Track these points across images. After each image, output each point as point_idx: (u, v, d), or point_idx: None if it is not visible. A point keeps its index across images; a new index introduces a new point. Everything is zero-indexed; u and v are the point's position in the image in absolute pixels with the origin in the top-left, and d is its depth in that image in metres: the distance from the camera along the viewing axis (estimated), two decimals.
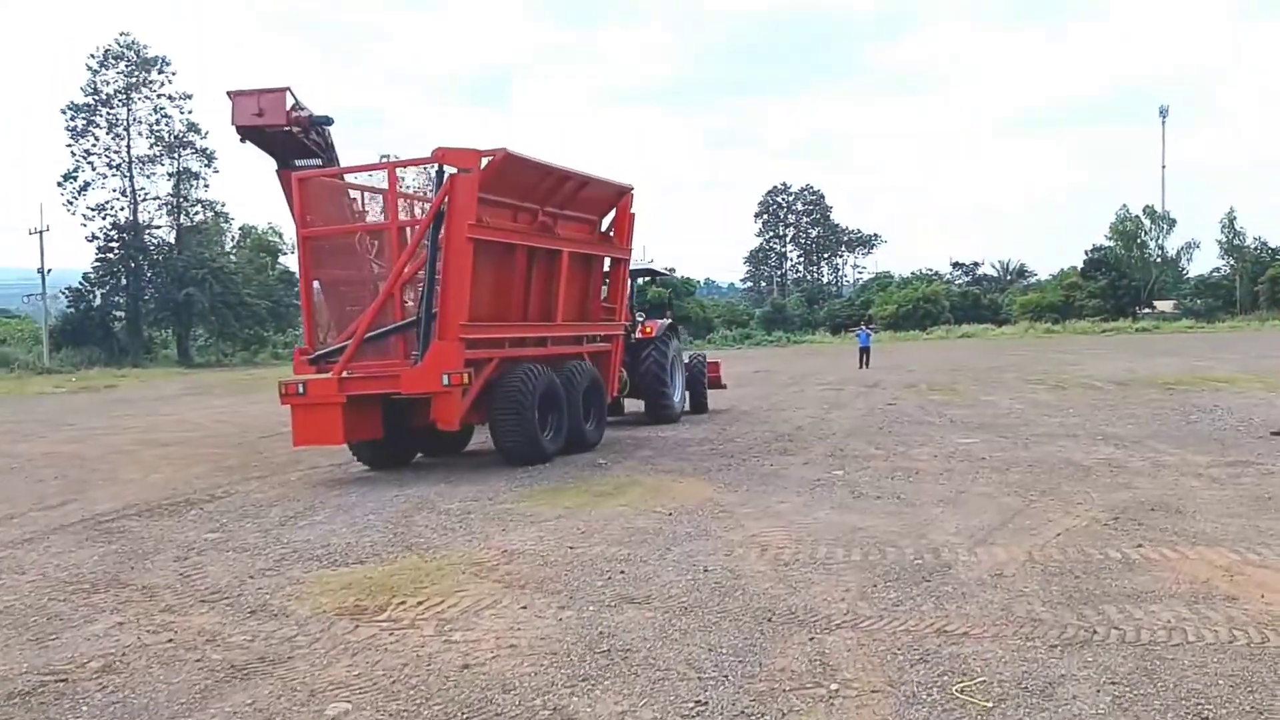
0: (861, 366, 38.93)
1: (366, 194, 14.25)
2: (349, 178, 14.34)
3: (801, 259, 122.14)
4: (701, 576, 7.19)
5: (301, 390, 12.86)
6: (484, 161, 12.87)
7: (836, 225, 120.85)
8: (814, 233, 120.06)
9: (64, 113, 70.71)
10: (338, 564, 8.10)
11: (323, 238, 14.13)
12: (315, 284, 14.36)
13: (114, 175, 71.67)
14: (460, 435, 15.58)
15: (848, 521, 9.01)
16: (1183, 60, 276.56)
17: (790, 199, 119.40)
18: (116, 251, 72.18)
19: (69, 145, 70.84)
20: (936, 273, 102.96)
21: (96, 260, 72.64)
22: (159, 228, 74.14)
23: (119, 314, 73.10)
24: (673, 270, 25.22)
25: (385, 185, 13.49)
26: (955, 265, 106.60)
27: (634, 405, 20.75)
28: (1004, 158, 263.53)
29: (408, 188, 13.93)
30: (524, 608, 6.55)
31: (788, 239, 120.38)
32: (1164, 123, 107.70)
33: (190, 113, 73.55)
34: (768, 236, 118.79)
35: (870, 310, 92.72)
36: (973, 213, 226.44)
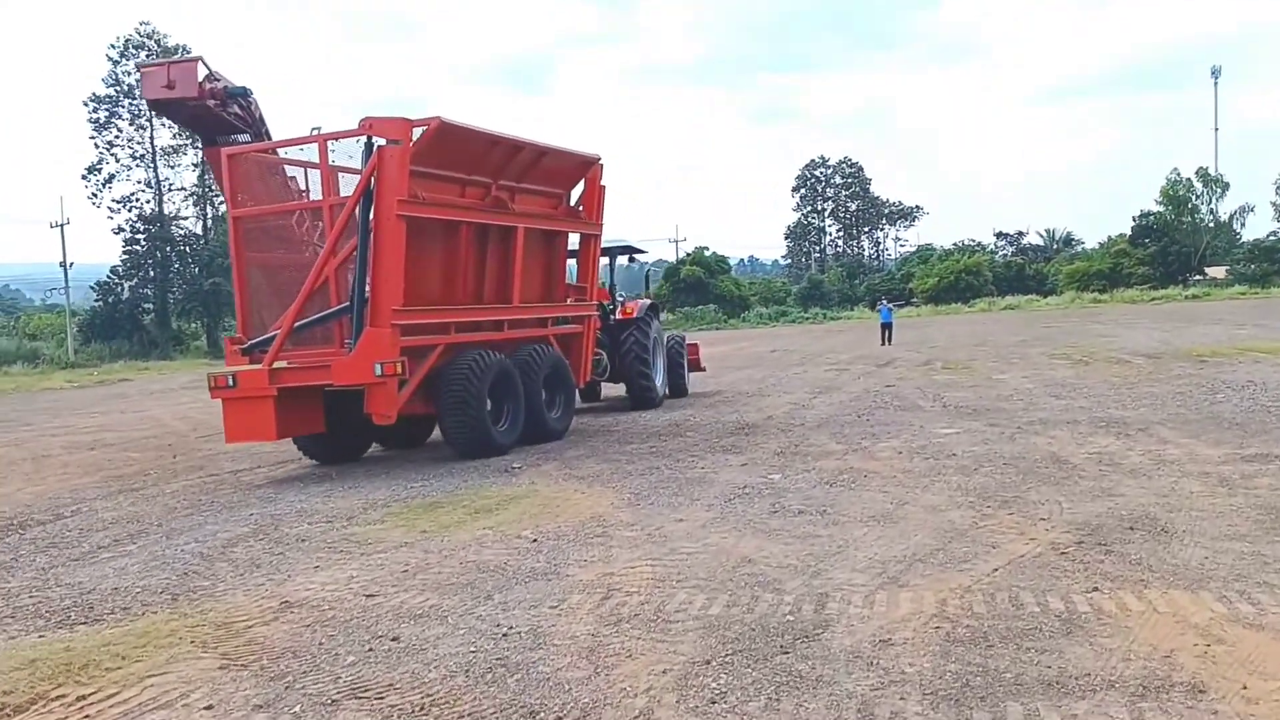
0: (883, 343, 36.73)
1: (309, 171, 12.92)
2: (287, 154, 13.16)
3: (841, 233, 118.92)
4: (488, 649, 5.35)
5: (232, 383, 11.97)
6: (417, 132, 11.87)
7: (877, 198, 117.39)
8: (853, 206, 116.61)
9: (86, 105, 69.79)
10: (68, 622, 6.37)
11: (256, 218, 13.02)
12: (249, 269, 13.14)
13: (138, 166, 70.70)
14: (423, 426, 14.49)
15: (740, 550, 7.14)
16: (1236, 18, 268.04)
17: (828, 172, 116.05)
18: (143, 244, 71.37)
19: (92, 137, 69.84)
20: (979, 244, 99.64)
21: (124, 253, 71.96)
22: (186, 219, 73.35)
23: (148, 306, 72.46)
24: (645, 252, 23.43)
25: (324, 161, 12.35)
26: (999, 235, 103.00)
27: (615, 390, 19.01)
28: (1050, 124, 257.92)
29: (352, 161, 12.49)
30: (208, 708, 4.76)
31: (826, 213, 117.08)
32: (1216, 84, 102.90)
33: None
34: (805, 211, 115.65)
35: (910, 284, 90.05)
36: (1017, 182, 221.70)
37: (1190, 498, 8.06)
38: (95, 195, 70.57)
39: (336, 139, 12.29)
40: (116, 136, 70.36)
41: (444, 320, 12.82)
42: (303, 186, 13.17)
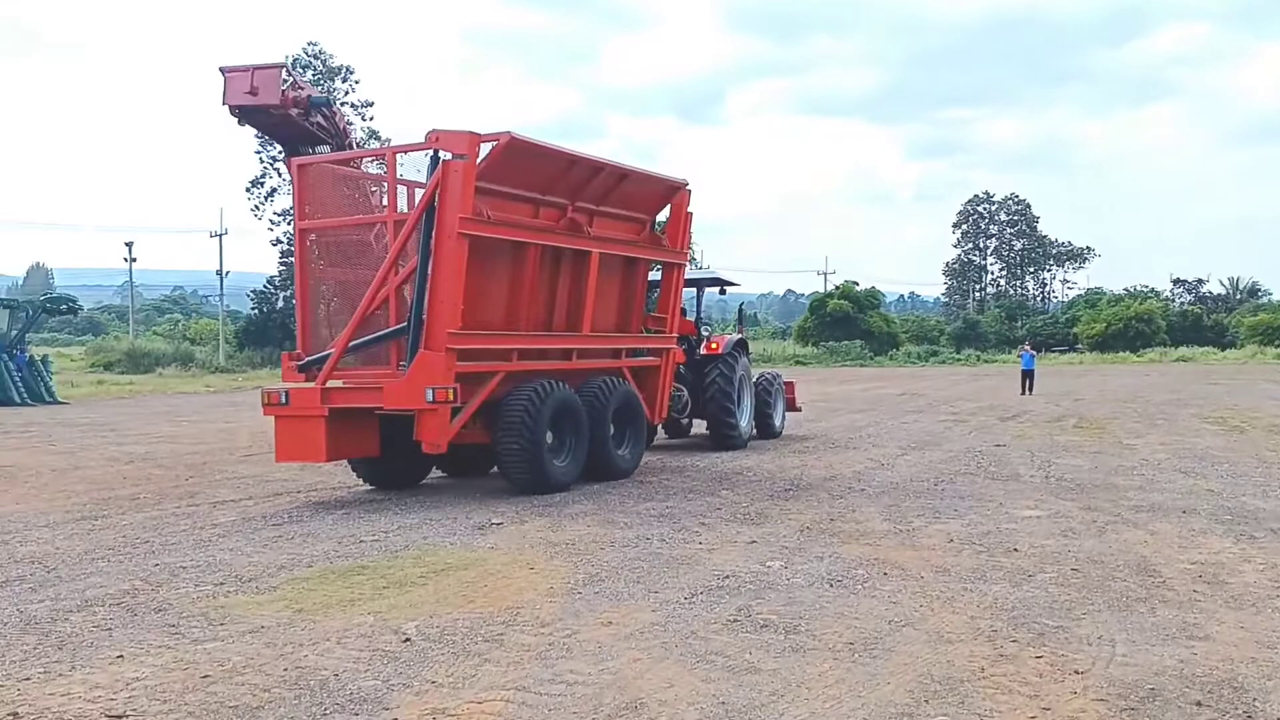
0: (1023, 392, 33.71)
1: (398, 186, 12.37)
2: (366, 168, 13.03)
3: (1004, 272, 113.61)
4: None
5: (284, 400, 11.55)
6: (486, 148, 11.31)
7: (1044, 237, 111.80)
8: (1018, 245, 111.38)
9: None
10: None
11: (325, 230, 12.44)
12: (315, 284, 12.71)
13: None
14: (488, 453, 13.22)
15: (642, 686, 5.25)
16: None
17: (993, 208, 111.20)
18: None
19: (257, 152, 72.03)
20: (1153, 290, 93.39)
21: (280, 263, 73.87)
22: None
23: None
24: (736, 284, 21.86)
25: (408, 176, 12.07)
26: (1176, 282, 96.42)
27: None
28: (1239, 168, 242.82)
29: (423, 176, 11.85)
30: None
31: (989, 251, 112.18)
32: None
33: (372, 119, 74.11)
34: (966, 248, 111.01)
35: (1074, 329, 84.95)
36: (1201, 227, 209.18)
37: None
38: (258, 208, 72.74)
39: (405, 152, 11.87)
40: (280, 151, 72.22)
41: (505, 346, 12.08)
42: (385, 201, 12.43)
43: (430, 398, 10.87)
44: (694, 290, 18.87)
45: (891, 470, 13.86)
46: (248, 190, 72.60)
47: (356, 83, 75.52)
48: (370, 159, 14.52)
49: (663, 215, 15.35)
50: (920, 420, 22.88)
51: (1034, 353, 36.97)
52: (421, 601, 7.02)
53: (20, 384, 32.26)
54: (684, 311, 18.06)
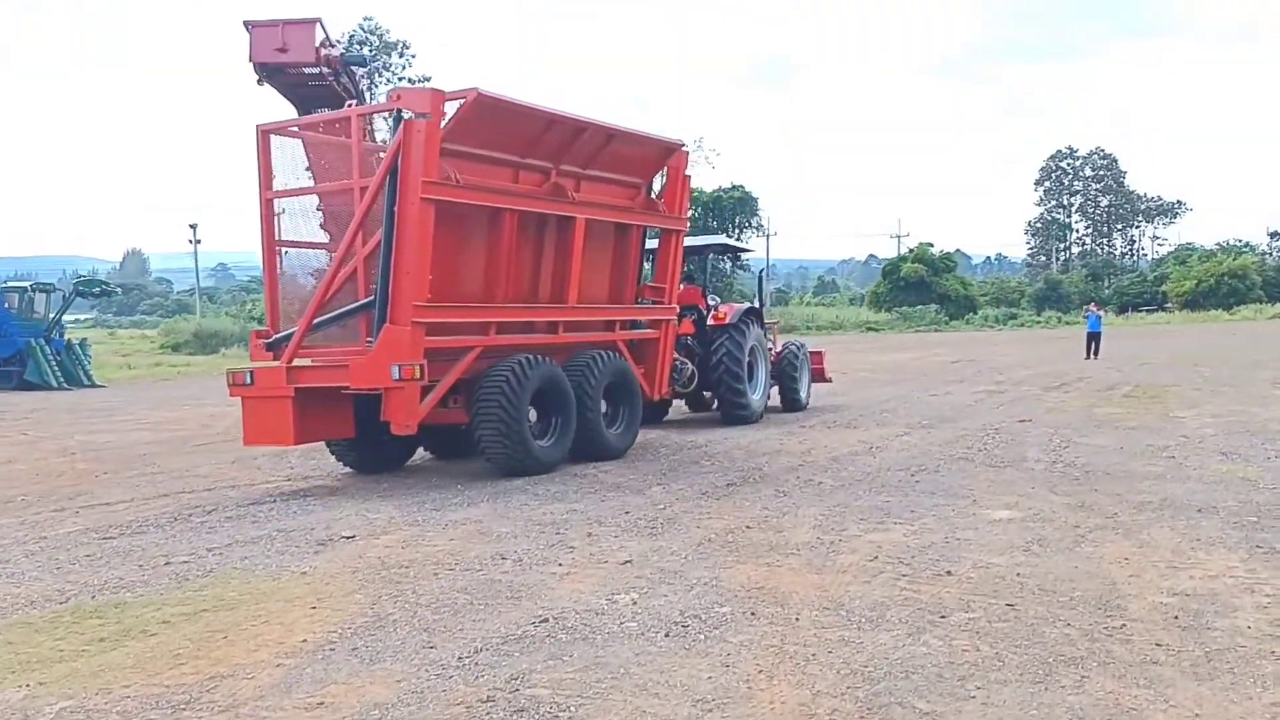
0: (1088, 356, 31.19)
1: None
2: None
3: (1090, 230, 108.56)
4: None
5: (249, 380, 10.89)
6: (453, 107, 10.50)
7: (1132, 193, 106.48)
8: (1104, 201, 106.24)
9: None
10: None
11: (295, 199, 11.59)
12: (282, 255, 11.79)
13: None
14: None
15: None
16: None
17: (1077, 164, 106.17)
18: None
19: None
20: (1248, 244, 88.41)
21: None
22: None
23: None
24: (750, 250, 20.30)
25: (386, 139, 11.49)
26: (1273, 235, 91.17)
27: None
28: None
29: None
30: None
31: (1073, 208, 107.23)
32: None
33: None
34: (1049, 205, 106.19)
35: (1163, 287, 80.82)
36: None
37: None
38: None
39: (369, 114, 11.37)
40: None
41: (481, 319, 11.32)
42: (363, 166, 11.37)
43: (396, 375, 10.11)
44: (699, 257, 17.71)
45: (877, 455, 11.93)
46: None
47: (413, 57, 74.39)
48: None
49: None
50: (955, 392, 20.75)
51: (1100, 313, 34.16)
52: (115, 666, 5.38)
53: (56, 368, 31.73)
54: (691, 279, 17.25)
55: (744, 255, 19.38)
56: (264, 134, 11.36)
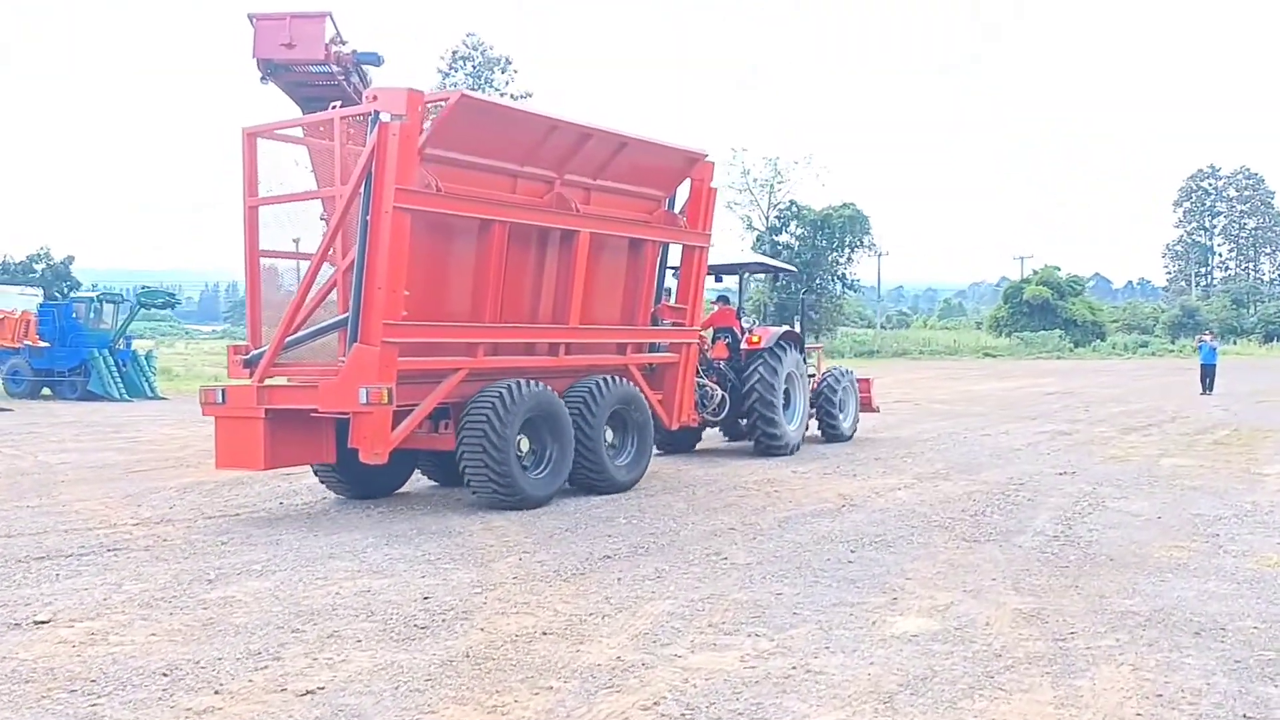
0: (1203, 391, 28.28)
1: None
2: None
3: (1234, 254, 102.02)
4: None
5: (220, 399, 10.41)
6: (434, 108, 10.06)
7: None
8: (1250, 223, 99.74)
9: None
10: None
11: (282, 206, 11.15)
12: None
13: None
14: None
15: None
16: None
17: (1219, 184, 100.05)
18: None
19: None
20: None
21: None
22: None
23: None
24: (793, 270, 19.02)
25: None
26: None
27: None
28: None
29: None
30: None
31: (1215, 231, 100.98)
32: None
33: None
34: (1189, 227, 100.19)
35: None
36: None
37: None
38: None
39: (349, 116, 10.48)
40: None
41: (467, 339, 10.58)
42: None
43: (364, 399, 9.45)
44: (735, 278, 17.19)
45: (842, 517, 10.17)
46: None
47: (515, 73, 74.20)
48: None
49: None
50: (1014, 431, 18.66)
51: (1215, 344, 30.99)
52: None
53: (119, 379, 31.58)
54: (725, 301, 16.59)
55: (783, 275, 17.79)
56: (249, 137, 10.81)
